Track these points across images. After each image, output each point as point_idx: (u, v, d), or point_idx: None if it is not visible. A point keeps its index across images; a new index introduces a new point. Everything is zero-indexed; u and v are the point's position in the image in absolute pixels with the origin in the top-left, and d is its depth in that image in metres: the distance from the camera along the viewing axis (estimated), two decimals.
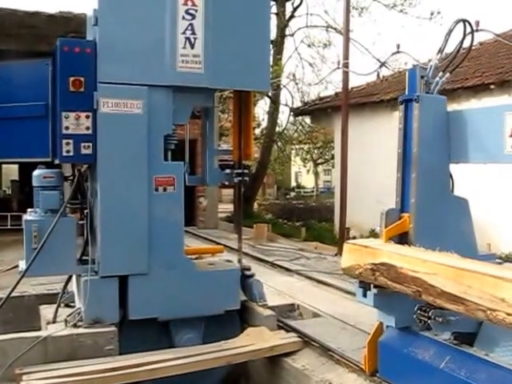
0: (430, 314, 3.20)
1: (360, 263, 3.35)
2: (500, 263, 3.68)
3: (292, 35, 18.37)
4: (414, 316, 3.31)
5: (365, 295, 3.50)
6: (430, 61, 3.73)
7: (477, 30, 3.73)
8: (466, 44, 3.83)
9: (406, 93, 3.72)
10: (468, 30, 3.71)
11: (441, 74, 3.69)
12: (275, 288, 6.47)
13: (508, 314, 2.48)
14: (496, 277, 2.58)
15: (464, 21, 3.68)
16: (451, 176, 3.74)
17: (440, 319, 3.18)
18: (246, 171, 5.03)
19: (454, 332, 3.34)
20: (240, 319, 4.80)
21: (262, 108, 20.22)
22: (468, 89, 10.32)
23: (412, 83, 3.65)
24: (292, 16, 18.32)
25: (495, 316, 2.56)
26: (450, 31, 3.69)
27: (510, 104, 3.33)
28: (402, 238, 3.57)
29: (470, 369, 3.01)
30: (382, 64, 4.37)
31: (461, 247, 3.11)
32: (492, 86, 9.95)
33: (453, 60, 3.73)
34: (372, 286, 3.39)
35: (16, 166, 19.75)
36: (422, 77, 3.64)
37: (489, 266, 2.79)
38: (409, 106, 3.61)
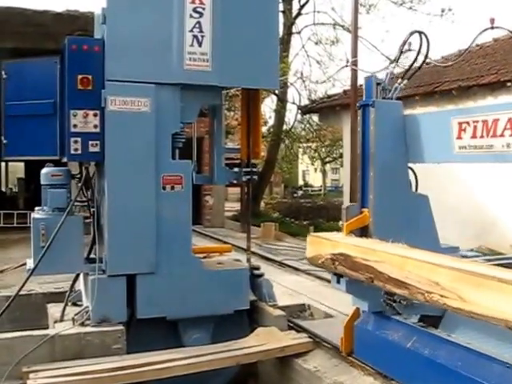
0: (395, 297, 3.51)
1: (321, 253, 3.68)
2: (464, 256, 3.84)
3: (299, 33, 18.31)
4: (382, 300, 3.62)
5: (338, 281, 3.79)
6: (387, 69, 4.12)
7: (492, 28, 3.71)
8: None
9: (364, 99, 4.00)
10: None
11: (399, 80, 4.03)
12: (286, 287, 6.44)
13: (441, 296, 2.77)
14: (431, 263, 2.87)
15: (419, 32, 3.99)
16: (415, 174, 4.04)
17: (404, 302, 3.53)
18: (255, 170, 5.00)
19: (421, 315, 3.62)
20: (249, 319, 4.77)
21: (268, 106, 20.18)
22: (483, 86, 10.21)
23: (368, 90, 3.96)
24: (299, 14, 18.25)
25: (431, 298, 2.84)
26: (405, 42, 4.06)
27: (454, 109, 3.93)
28: (363, 232, 3.84)
29: (433, 347, 3.31)
30: (392, 62, 4.33)
31: (422, 240, 3.36)
32: (509, 84, 9.82)
33: (410, 68, 4.11)
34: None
35: (22, 164, 19.82)
36: (379, 84, 3.97)
37: (427, 255, 3.05)
38: (366, 110, 3.92)
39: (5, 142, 4.53)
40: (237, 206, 18.26)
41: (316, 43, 18.59)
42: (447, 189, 9.51)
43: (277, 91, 16.26)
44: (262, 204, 19.72)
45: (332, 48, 18.72)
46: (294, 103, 17.81)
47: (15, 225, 12.13)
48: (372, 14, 18.70)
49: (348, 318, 4.12)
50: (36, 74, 4.56)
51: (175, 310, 4.42)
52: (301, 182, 39.94)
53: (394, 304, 3.62)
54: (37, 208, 4.45)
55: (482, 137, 3.31)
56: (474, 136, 3.36)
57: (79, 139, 4.20)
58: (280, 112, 18.30)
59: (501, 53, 11.40)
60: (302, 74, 18.39)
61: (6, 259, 7.83)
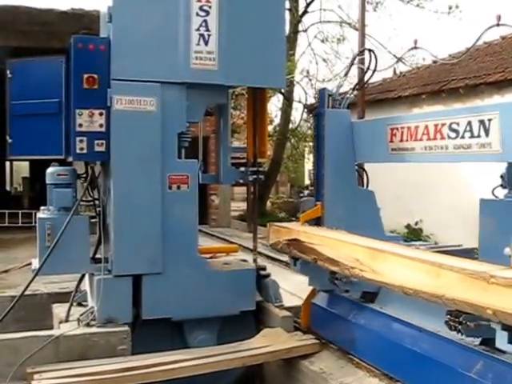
0: (336, 276, 4.05)
1: (280, 240, 4.34)
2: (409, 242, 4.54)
3: (305, 31, 18.24)
4: (328, 279, 4.16)
5: (295, 264, 4.40)
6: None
7: (498, 25, 3.68)
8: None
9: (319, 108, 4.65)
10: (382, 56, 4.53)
11: (350, 91, 4.69)
12: (292, 288, 6.37)
13: (360, 270, 3.38)
14: (354, 244, 3.54)
15: (369, 50, 4.68)
16: (366, 173, 4.77)
17: (344, 280, 4.06)
18: (261, 169, 4.97)
19: (363, 292, 4.26)
20: (255, 320, 4.74)
21: (274, 105, 20.12)
22: (491, 84, 10.14)
23: (322, 100, 4.60)
24: (305, 12, 18.17)
25: (354, 272, 3.45)
26: (354, 58, 4.91)
27: (388, 117, 4.41)
28: (318, 222, 4.48)
29: (368, 318, 4.03)
30: (399, 60, 4.32)
31: (367, 229, 3.97)
32: None
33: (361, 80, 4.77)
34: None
35: (27, 163, 19.87)
36: (330, 95, 4.55)
37: (353, 237, 3.70)
38: (319, 118, 4.59)
39: (10, 141, 4.52)
40: (243, 205, 18.22)
41: (322, 41, 18.52)
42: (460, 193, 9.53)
43: (283, 90, 16.22)
44: (269, 204, 19.66)
45: (339, 46, 18.64)
46: (300, 102, 17.76)
47: (20, 224, 12.14)
48: (379, 12, 18.57)
49: (306, 297, 4.77)
50: (41, 73, 4.54)
51: (181, 311, 4.40)
52: (307, 182, 39.81)
53: (336, 282, 4.13)
54: (42, 207, 4.43)
55: (407, 141, 3.92)
56: (401, 140, 3.97)
57: (85, 139, 4.18)
58: (286, 111, 18.24)
59: (508, 51, 11.32)
60: (308, 72, 18.32)
61: (11, 259, 7.83)
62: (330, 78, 17.48)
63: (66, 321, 4.42)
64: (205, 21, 4.35)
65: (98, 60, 4.19)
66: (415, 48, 5.09)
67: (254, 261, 5.05)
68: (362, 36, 10.66)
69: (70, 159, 4.38)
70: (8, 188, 22.18)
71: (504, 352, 2.90)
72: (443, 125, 3.60)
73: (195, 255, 4.53)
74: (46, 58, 4.61)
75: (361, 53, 4.77)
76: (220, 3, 4.38)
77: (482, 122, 3.29)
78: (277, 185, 23.97)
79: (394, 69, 10.47)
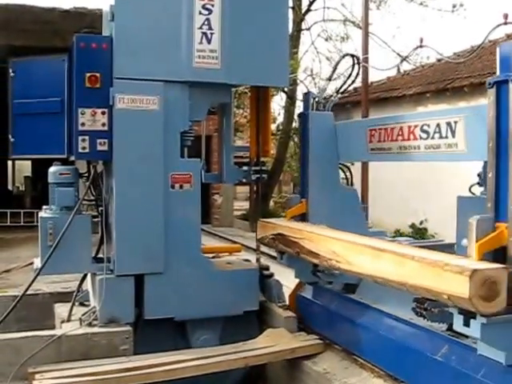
0: (318, 268, 4.34)
1: (267, 234, 4.58)
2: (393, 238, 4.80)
3: (308, 29, 18.21)
4: (311, 272, 4.49)
5: (282, 258, 4.64)
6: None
7: (505, 23, 3.64)
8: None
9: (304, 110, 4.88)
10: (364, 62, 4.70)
11: (334, 94, 4.92)
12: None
13: (337, 261, 3.65)
14: (331, 237, 3.78)
15: (352, 55, 4.92)
16: (350, 171, 5.03)
17: (325, 272, 4.37)
18: (264, 168, 4.96)
19: (345, 283, 4.46)
20: (258, 320, 4.72)
21: (277, 103, 20.08)
22: None
23: (306, 103, 4.83)
24: (308, 10, 18.13)
25: (331, 263, 3.71)
26: (337, 63, 5.07)
27: (368, 119, 5.14)
28: (303, 218, 4.71)
29: (348, 308, 4.25)
30: (404, 58, 4.29)
31: (350, 225, 4.17)
32: None
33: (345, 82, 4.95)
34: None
35: (29, 162, 19.88)
36: (314, 98, 4.78)
37: (332, 231, 3.97)
38: (304, 119, 4.82)
39: (12, 140, 4.52)
40: (246, 204, 18.21)
41: (326, 40, 18.49)
42: None
43: (286, 88, 16.19)
44: (272, 203, 19.64)
45: (342, 44, 18.59)
46: (303, 100, 17.68)
47: (22, 223, 12.16)
48: (382, 10, 18.53)
49: (293, 289, 4.94)
50: (44, 71, 4.54)
51: (183, 311, 4.38)
52: None
53: (318, 274, 4.46)
54: (44, 207, 4.42)
55: (384, 141, 4.17)
56: (379, 140, 4.22)
57: (87, 138, 4.16)
58: (289, 109, 18.21)
59: None
60: (311, 70, 18.30)
61: (13, 258, 7.84)
62: (334, 77, 17.44)
63: (68, 320, 4.41)
64: (207, 19, 4.33)
65: (101, 59, 4.17)
66: (421, 46, 5.06)
67: (257, 260, 5.03)
68: (366, 34, 10.63)
69: (73, 158, 4.38)
70: (10, 187, 22.20)
71: (466, 336, 3.06)
72: (416, 126, 3.83)
73: (198, 255, 4.51)
74: (48, 56, 4.61)
75: (343, 57, 5.11)
76: (223, 2, 4.36)
77: (449, 124, 3.52)
78: (280, 184, 23.92)
79: (398, 67, 10.44)
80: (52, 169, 4.37)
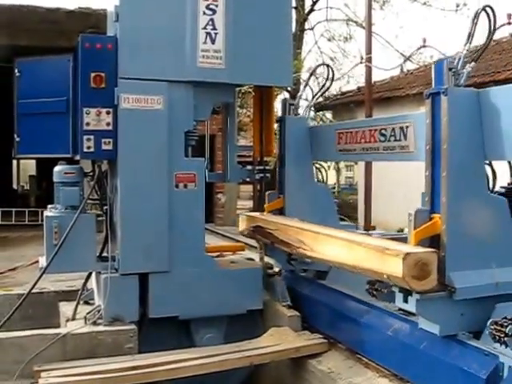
0: (292, 257, 4.81)
1: (247, 227, 4.99)
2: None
3: (312, 29, 18.22)
4: (286, 260, 4.91)
5: (262, 247, 5.09)
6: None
7: (509, 23, 3.67)
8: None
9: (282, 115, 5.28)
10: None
11: (311, 99, 5.65)
12: None
13: (304, 249, 4.07)
14: (299, 228, 4.23)
15: (327, 65, 5.49)
16: (325, 170, 5.58)
17: (298, 260, 4.84)
18: (268, 168, 4.98)
19: (316, 271, 4.91)
20: (262, 319, 4.73)
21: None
22: (500, 82, 10.09)
23: (283, 109, 5.22)
24: (311, 10, 18.15)
25: (299, 251, 4.17)
26: (312, 73, 5.92)
27: (336, 123, 5.55)
28: (281, 212, 5.11)
29: (319, 293, 4.68)
30: (407, 58, 4.31)
31: (323, 219, 4.57)
32: None
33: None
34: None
35: (34, 162, 19.94)
36: (291, 104, 5.20)
37: (300, 223, 4.39)
38: (281, 123, 5.20)
39: (17, 139, 4.54)
40: (249, 203, 18.20)
41: (329, 40, 18.50)
42: None
43: (289, 88, 16.19)
44: None
45: (345, 44, 18.60)
46: (307, 100, 17.69)
47: (27, 222, 12.19)
48: (386, 10, 18.55)
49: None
50: (49, 71, 4.55)
51: (188, 310, 4.40)
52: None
53: (292, 262, 4.91)
54: (49, 206, 4.44)
55: (350, 143, 4.62)
56: (346, 142, 4.68)
57: (92, 137, 4.18)
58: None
59: None
60: (315, 70, 18.28)
61: (18, 257, 7.85)
62: (338, 77, 17.43)
63: (73, 319, 4.43)
64: (211, 19, 4.35)
65: (106, 59, 4.19)
66: (424, 46, 5.08)
67: (261, 259, 5.05)
68: (369, 34, 10.63)
69: (78, 158, 4.39)
70: (15, 186, 22.26)
71: (414, 314, 3.44)
72: (375, 130, 4.28)
73: (202, 254, 4.53)
74: (53, 56, 4.62)
75: (317, 67, 6.07)
76: (227, 2, 4.37)
77: (401, 128, 3.97)
78: None
79: (402, 67, 10.43)
80: (57, 168, 4.39)
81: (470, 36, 3.42)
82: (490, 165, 3.75)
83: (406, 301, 3.26)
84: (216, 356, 4.04)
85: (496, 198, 3.51)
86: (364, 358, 3.98)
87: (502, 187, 4.07)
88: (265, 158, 5.09)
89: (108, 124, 4.19)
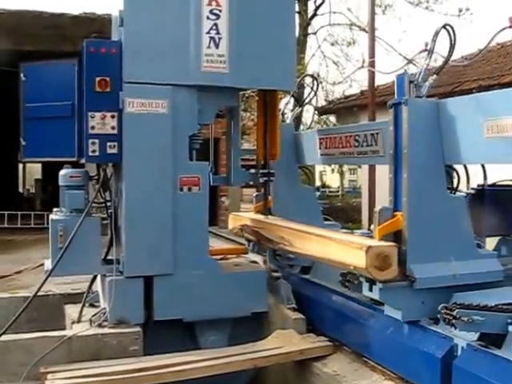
0: (277, 253, 5.11)
1: (235, 226, 5.47)
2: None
3: (315, 33, 18.27)
4: (272, 256, 5.22)
5: (249, 245, 5.55)
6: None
7: (511, 27, 3.69)
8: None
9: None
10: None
11: (297, 107, 6.28)
12: None
13: (284, 245, 4.48)
14: (280, 225, 4.66)
15: (312, 76, 6.01)
16: (311, 172, 6.18)
17: (282, 255, 5.14)
18: (272, 171, 5.00)
19: (301, 266, 5.25)
20: (267, 322, 4.75)
21: (288, 108, 20.11)
22: (505, 85, 10.10)
23: None
24: (315, 14, 18.21)
25: (280, 247, 4.59)
26: (300, 82, 6.08)
27: (319, 129, 5.88)
28: (268, 212, 5.33)
29: (302, 287, 4.95)
30: (409, 61, 4.34)
31: (308, 219, 4.85)
32: None
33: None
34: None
35: (39, 165, 20.02)
36: (283, 114, 5.75)
37: (282, 221, 4.81)
38: None
39: (23, 143, 4.57)
40: (252, 207, 18.16)
41: (332, 44, 18.55)
42: None
43: (293, 92, 16.21)
44: None
45: (349, 49, 18.64)
46: (310, 104, 17.71)
47: (32, 225, 12.24)
48: (388, 15, 18.60)
49: None
50: (54, 76, 4.58)
51: (192, 312, 4.42)
52: (318, 183, 39.78)
53: (277, 258, 5.22)
54: (55, 209, 4.48)
55: (329, 148, 5.03)
56: (326, 147, 5.09)
57: (97, 141, 4.21)
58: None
59: None
60: (318, 74, 18.32)
61: (24, 260, 7.89)
62: (340, 81, 17.48)
63: (79, 321, 4.44)
64: (215, 24, 4.38)
65: (110, 63, 4.22)
66: (426, 51, 5.09)
67: (265, 262, 5.07)
68: (372, 38, 10.66)
69: (83, 161, 4.42)
70: (21, 190, 22.36)
71: (382, 304, 3.83)
72: (350, 136, 4.67)
73: (206, 256, 4.55)
74: (58, 61, 4.66)
75: (304, 77, 6.40)
76: (230, 6, 4.40)
77: (372, 135, 4.37)
78: None
79: (405, 71, 10.44)
80: (62, 172, 4.42)
81: (430, 52, 3.81)
82: (465, 167, 4.20)
83: (371, 290, 3.69)
84: (220, 358, 4.05)
85: (454, 197, 3.88)
86: (370, 361, 3.99)
87: (472, 188, 4.53)
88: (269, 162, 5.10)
89: (113, 128, 4.23)
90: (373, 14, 10.91)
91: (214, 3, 4.36)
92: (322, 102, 17.65)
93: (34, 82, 4.55)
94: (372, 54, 10.41)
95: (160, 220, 4.34)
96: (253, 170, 5.06)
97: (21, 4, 9.74)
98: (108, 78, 4.21)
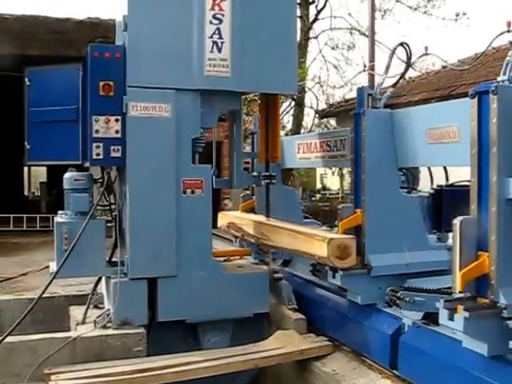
0: (261, 247, 5.38)
1: (223, 223, 5.94)
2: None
3: (316, 38, 18.33)
4: (257, 251, 5.59)
5: (236, 241, 6.11)
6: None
7: (508, 31, 3.75)
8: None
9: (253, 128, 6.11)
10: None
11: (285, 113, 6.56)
12: None
13: (264, 240, 4.87)
14: (261, 223, 5.04)
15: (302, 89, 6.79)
16: (293, 175, 6.63)
17: (267, 251, 5.35)
18: (274, 174, 5.04)
19: (283, 259, 5.77)
20: (268, 322, 4.79)
21: (285, 110, 20.13)
22: None
23: (255, 123, 5.98)
24: (316, 19, 18.25)
25: (260, 241, 4.98)
26: (293, 99, 6.77)
27: (297, 136, 6.51)
28: (253, 211, 5.84)
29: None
30: (409, 65, 4.34)
31: (290, 217, 5.18)
32: None
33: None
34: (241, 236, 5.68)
35: (44, 168, 20.07)
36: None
37: (263, 219, 5.12)
38: (252, 136, 6.08)
39: (28, 147, 4.63)
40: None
41: (333, 48, 18.60)
42: None
43: (294, 96, 16.25)
44: None
45: (349, 52, 18.70)
46: (311, 107, 17.81)
47: (38, 228, 12.28)
48: (387, 19, 18.67)
49: None
50: (59, 80, 4.64)
51: (195, 313, 4.46)
52: (318, 186, 39.73)
53: (261, 252, 5.53)
54: (60, 212, 4.51)
55: (306, 152, 5.49)
56: (303, 152, 5.55)
57: (101, 144, 4.25)
58: (298, 116, 18.29)
59: None
60: (319, 78, 18.39)
61: (30, 262, 7.92)
62: (341, 85, 17.52)
63: (83, 323, 4.49)
64: (218, 29, 4.42)
65: (114, 67, 4.27)
66: (426, 54, 5.16)
67: (267, 263, 5.11)
68: (372, 42, 10.71)
69: (87, 164, 4.47)
70: (26, 193, 22.43)
71: (345, 290, 4.33)
72: (323, 142, 5.14)
73: (209, 258, 4.59)
74: (63, 65, 4.71)
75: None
76: (233, 11, 4.44)
77: (341, 140, 4.83)
78: None
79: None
80: (67, 175, 4.47)
81: (387, 68, 4.44)
82: (429, 169, 4.89)
83: (334, 277, 4.19)
84: (222, 359, 4.10)
85: (407, 196, 4.41)
86: (368, 360, 4.05)
87: (432, 188, 4.93)
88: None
89: (117, 131, 4.27)
90: (373, 18, 10.97)
91: (216, 8, 4.41)
92: (322, 106, 17.72)
93: (39, 86, 4.61)
94: (372, 58, 10.46)
95: (164, 222, 4.38)
96: (255, 173, 5.10)
97: (26, 9, 9.78)
98: (112, 83, 4.25)
